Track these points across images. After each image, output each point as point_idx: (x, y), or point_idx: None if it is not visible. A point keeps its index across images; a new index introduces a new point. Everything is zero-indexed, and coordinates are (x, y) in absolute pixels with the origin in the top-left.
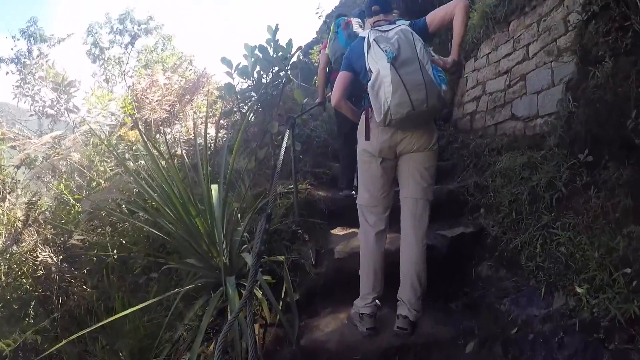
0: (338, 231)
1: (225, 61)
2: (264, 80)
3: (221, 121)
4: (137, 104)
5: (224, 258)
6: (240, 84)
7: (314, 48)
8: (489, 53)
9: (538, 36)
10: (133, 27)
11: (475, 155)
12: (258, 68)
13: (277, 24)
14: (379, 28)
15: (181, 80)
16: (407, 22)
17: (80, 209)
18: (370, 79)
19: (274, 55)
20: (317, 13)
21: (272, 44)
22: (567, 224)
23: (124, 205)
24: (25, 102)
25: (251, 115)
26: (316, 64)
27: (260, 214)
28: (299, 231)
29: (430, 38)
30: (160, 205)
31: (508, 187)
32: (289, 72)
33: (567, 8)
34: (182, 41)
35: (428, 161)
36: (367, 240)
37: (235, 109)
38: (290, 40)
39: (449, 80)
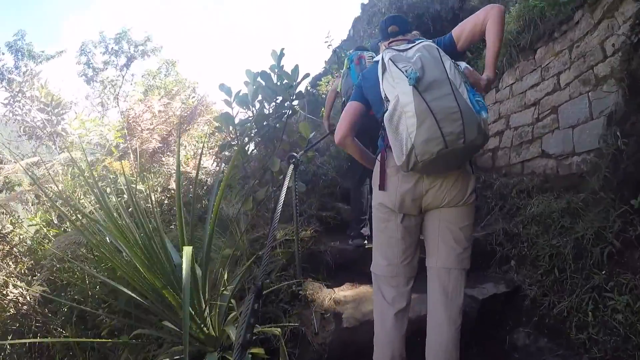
0: (347, 289)
1: (224, 88)
2: (266, 111)
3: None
4: (129, 131)
5: (205, 329)
6: (240, 113)
7: (322, 79)
8: (513, 84)
9: (570, 64)
10: (129, 48)
11: (500, 197)
12: (260, 97)
13: (282, 49)
14: (396, 47)
15: (178, 108)
16: (430, 40)
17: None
18: (387, 109)
19: (278, 83)
20: (327, 42)
21: (276, 70)
22: (622, 285)
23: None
24: (14, 122)
25: (251, 149)
26: (324, 96)
27: (257, 265)
28: (300, 292)
29: (459, 57)
30: (121, 269)
31: (545, 237)
32: (294, 103)
33: (604, 31)
34: (187, 66)
35: (464, 219)
36: (383, 321)
37: (234, 142)
38: (296, 67)
39: None
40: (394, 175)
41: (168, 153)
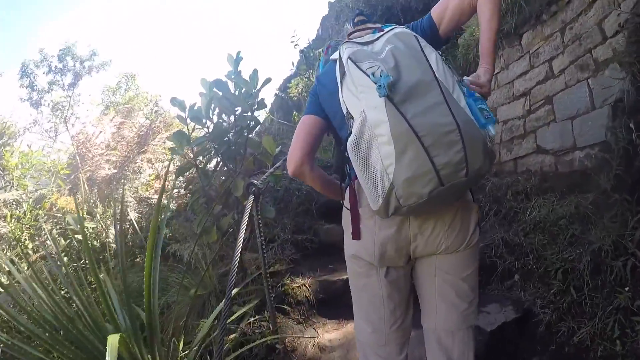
0: (332, 329)
1: (176, 102)
2: (226, 125)
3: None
4: (80, 158)
5: None
6: (200, 130)
7: (292, 82)
8: (498, 73)
9: (564, 48)
10: (75, 65)
11: (494, 200)
12: (218, 110)
13: (238, 52)
14: (358, 40)
15: (134, 127)
16: (403, 26)
17: None
18: (350, 132)
19: (237, 92)
20: (293, 42)
21: (234, 77)
22: None
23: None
24: None
25: (212, 169)
26: (295, 99)
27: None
28: (277, 346)
29: (441, 44)
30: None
31: (553, 248)
32: (256, 114)
33: (601, 10)
34: (148, 79)
35: (467, 265)
36: None
37: (193, 164)
38: (254, 72)
39: None
40: (370, 219)
41: (123, 179)
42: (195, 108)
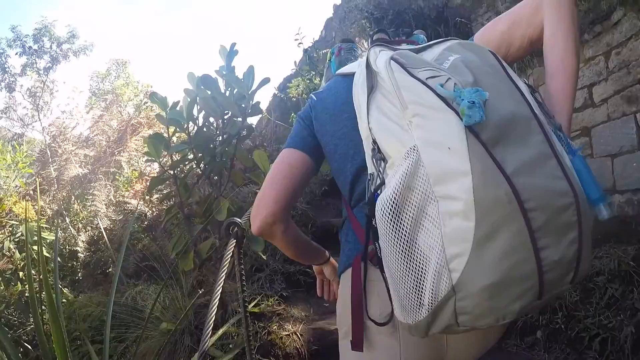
0: None
1: (157, 98)
2: (213, 130)
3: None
4: (51, 154)
5: None
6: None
7: (293, 81)
8: None
9: (608, 75)
10: (52, 47)
11: None
12: (204, 112)
13: (233, 44)
14: (398, 47)
15: (115, 120)
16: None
17: None
18: (380, 182)
19: (227, 93)
20: (297, 40)
21: (225, 73)
22: None
23: None
24: None
25: (191, 182)
26: (294, 99)
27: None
28: None
29: None
30: None
31: (588, 308)
32: (248, 120)
33: None
34: (141, 67)
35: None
36: None
37: (171, 174)
38: (250, 69)
39: None
40: (388, 336)
41: (96, 181)
42: (178, 108)
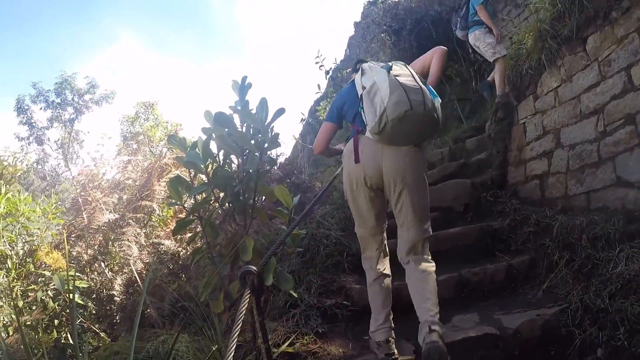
0: None
1: (175, 140)
2: (234, 168)
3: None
4: (82, 203)
5: None
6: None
7: (321, 104)
8: (558, 87)
9: None
10: (74, 98)
11: (565, 246)
12: (223, 150)
13: (244, 78)
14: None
15: (147, 160)
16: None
17: None
18: (364, 90)
19: (243, 128)
20: (317, 62)
21: (239, 108)
22: None
23: None
24: None
25: (217, 221)
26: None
27: None
28: None
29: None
30: None
31: None
32: (267, 155)
33: None
34: (170, 108)
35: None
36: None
37: (196, 216)
38: (262, 101)
39: (496, 129)
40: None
41: (127, 226)
42: (196, 149)
